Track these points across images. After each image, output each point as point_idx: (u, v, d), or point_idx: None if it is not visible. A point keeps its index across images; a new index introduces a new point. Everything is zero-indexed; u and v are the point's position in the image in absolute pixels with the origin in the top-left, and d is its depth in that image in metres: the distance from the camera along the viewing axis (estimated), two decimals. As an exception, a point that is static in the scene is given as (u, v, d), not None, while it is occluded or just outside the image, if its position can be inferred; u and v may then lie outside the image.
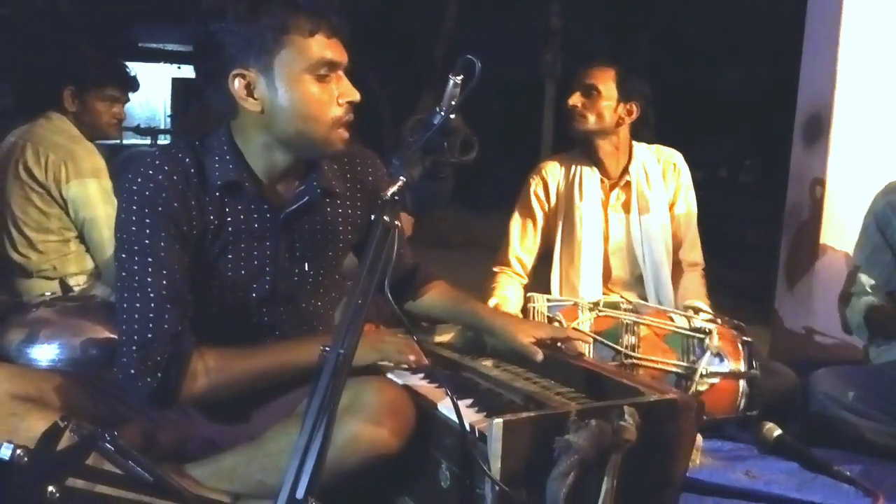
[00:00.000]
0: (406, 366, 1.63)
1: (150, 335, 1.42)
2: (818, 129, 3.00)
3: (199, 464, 1.46)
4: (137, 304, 1.43)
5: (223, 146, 1.52)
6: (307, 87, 1.45)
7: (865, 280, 2.28)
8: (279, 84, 1.44)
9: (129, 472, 1.00)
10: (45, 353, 2.12)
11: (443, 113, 1.29)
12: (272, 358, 1.55)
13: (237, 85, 1.44)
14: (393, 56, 9.53)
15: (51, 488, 0.87)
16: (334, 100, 1.48)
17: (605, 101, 2.46)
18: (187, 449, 1.55)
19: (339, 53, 1.48)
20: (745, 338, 2.17)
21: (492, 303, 2.45)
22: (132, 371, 1.42)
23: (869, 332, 2.26)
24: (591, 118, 2.47)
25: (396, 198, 1.23)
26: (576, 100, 2.49)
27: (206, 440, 1.56)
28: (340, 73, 1.49)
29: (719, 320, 2.25)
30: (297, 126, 1.47)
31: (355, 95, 1.50)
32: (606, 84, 2.46)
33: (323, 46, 1.45)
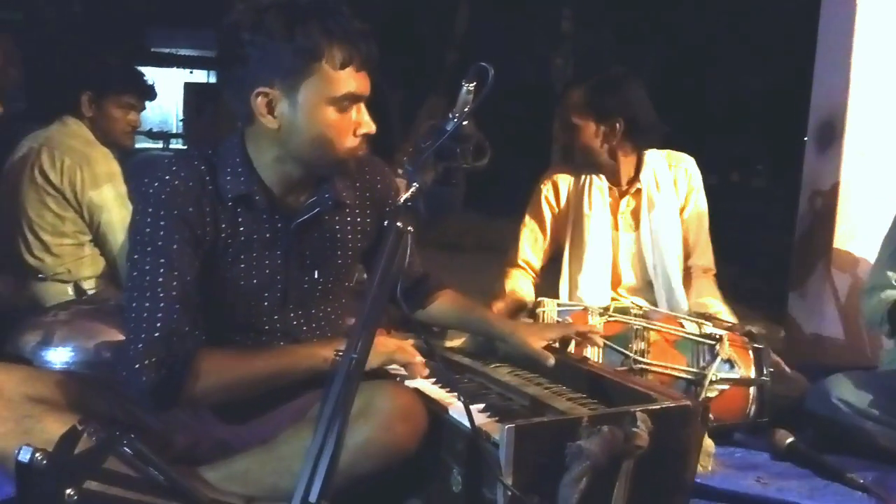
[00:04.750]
0: (411, 370, 1.64)
1: (157, 333, 1.42)
2: (831, 135, 2.99)
3: (213, 466, 1.47)
4: (147, 303, 1.44)
5: (235, 157, 1.53)
6: (327, 116, 1.46)
7: (891, 275, 2.25)
8: (301, 108, 1.45)
9: (145, 475, 1.01)
10: (59, 355, 2.14)
11: (456, 119, 1.30)
12: (276, 361, 1.55)
13: (259, 101, 1.45)
14: (403, 59, 9.55)
15: (69, 491, 0.88)
16: (351, 130, 1.49)
17: (585, 132, 2.42)
18: (200, 451, 1.55)
19: (364, 86, 1.49)
20: (756, 344, 2.16)
21: (506, 287, 2.48)
22: (137, 366, 1.41)
23: (891, 326, 2.22)
24: (580, 154, 2.46)
25: (409, 203, 1.23)
26: (563, 139, 2.48)
27: (218, 442, 1.57)
28: (361, 103, 1.50)
29: (734, 325, 2.24)
30: (311, 149, 1.49)
31: (372, 128, 1.51)
32: (580, 113, 2.41)
33: (351, 79, 1.46)
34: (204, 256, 1.51)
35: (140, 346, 1.42)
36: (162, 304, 1.43)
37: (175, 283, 1.45)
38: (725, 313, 2.43)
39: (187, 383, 1.44)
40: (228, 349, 1.53)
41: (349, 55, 1.44)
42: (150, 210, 1.46)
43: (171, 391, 1.44)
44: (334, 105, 1.46)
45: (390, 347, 1.63)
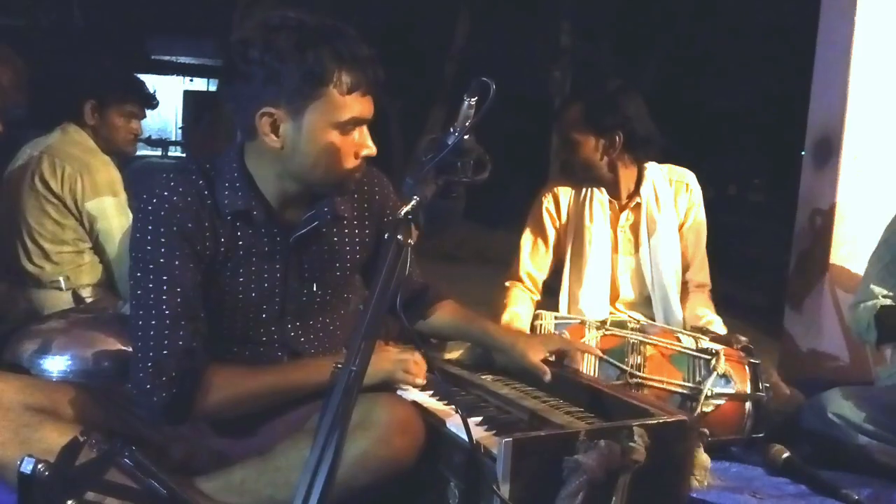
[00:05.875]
0: (413, 385, 1.65)
1: (164, 351, 1.44)
2: (828, 151, 3.00)
3: (209, 477, 1.47)
4: (152, 321, 1.45)
5: (234, 172, 1.53)
6: (330, 139, 1.47)
7: (878, 291, 2.27)
8: (305, 130, 1.46)
9: (144, 486, 1.01)
10: (57, 364, 2.13)
11: (457, 133, 1.31)
12: (283, 376, 1.56)
13: (263, 120, 1.45)
14: (403, 72, 9.59)
15: (70, 502, 0.88)
16: (352, 152, 1.50)
17: (585, 148, 2.42)
18: (197, 462, 1.56)
19: (368, 110, 1.50)
20: (752, 360, 2.16)
21: (504, 318, 2.44)
22: (148, 386, 1.43)
23: (878, 332, 2.23)
24: (581, 169, 2.46)
25: (410, 217, 1.24)
26: (562, 154, 2.50)
27: (215, 453, 1.58)
28: (364, 126, 1.51)
29: (731, 340, 2.25)
30: (312, 170, 1.49)
31: (373, 150, 1.52)
32: (578, 129, 2.42)
33: (356, 103, 1.46)
34: (204, 270, 1.51)
35: (150, 364, 1.44)
36: (168, 322, 1.44)
37: (179, 300, 1.46)
38: (718, 323, 2.44)
39: (198, 399, 1.46)
40: (237, 364, 1.54)
41: (357, 80, 1.45)
42: (149, 228, 1.46)
43: (183, 407, 1.46)
44: (338, 129, 1.47)
45: (394, 363, 1.64)
